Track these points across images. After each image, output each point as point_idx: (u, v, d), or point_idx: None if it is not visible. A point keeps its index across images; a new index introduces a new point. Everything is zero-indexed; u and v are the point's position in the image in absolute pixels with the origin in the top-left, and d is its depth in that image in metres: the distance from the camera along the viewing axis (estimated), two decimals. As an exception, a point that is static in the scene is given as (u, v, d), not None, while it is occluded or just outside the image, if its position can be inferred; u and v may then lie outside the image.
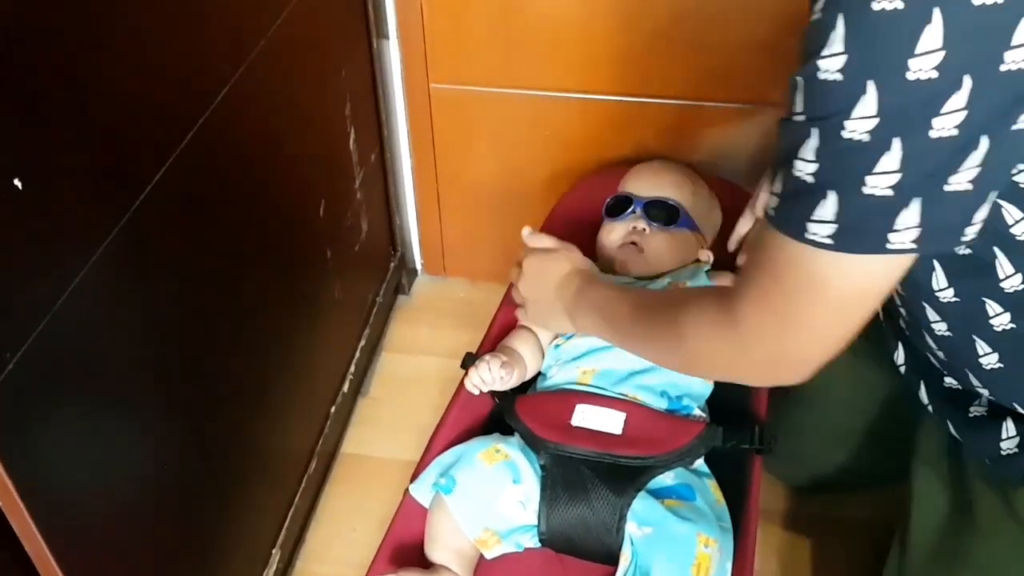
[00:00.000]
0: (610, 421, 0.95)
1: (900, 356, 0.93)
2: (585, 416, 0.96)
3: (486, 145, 1.46)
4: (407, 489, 0.98)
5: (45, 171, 0.64)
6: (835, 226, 0.58)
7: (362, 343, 1.41)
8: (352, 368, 1.38)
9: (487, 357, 1.00)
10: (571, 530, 0.91)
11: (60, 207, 0.67)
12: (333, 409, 1.31)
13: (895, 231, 0.57)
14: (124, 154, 0.75)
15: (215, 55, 0.89)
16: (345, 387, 1.35)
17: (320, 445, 1.27)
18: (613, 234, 1.11)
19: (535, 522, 0.92)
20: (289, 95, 1.07)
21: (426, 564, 0.92)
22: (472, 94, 1.40)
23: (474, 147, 1.47)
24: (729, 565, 0.88)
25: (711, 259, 1.14)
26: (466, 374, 1.04)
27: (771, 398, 1.12)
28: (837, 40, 0.53)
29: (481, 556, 0.93)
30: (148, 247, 0.80)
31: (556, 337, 1.06)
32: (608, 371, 0.99)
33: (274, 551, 1.13)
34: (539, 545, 0.93)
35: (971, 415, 0.83)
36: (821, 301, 0.62)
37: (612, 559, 0.89)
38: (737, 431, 0.96)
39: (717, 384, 1.02)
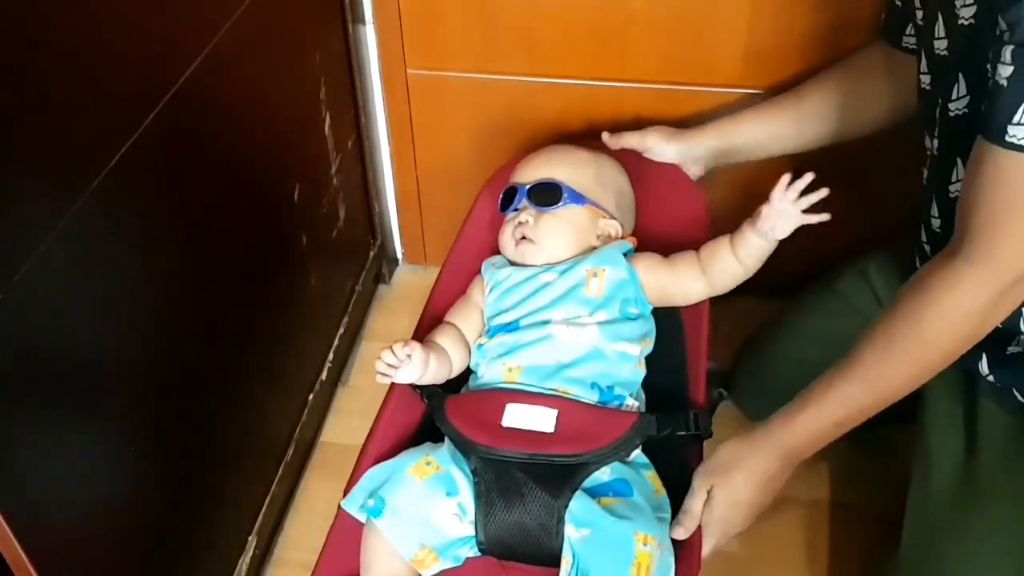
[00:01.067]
0: (542, 419, 0.92)
1: None
2: (516, 416, 0.92)
3: (465, 131, 1.46)
4: (339, 504, 0.94)
5: (15, 129, 0.64)
6: None
7: (341, 331, 1.41)
8: (331, 356, 1.37)
9: (390, 347, 0.95)
10: (509, 536, 0.88)
11: (21, 178, 0.66)
12: (311, 397, 1.30)
13: None
14: (89, 125, 0.74)
15: (184, 30, 0.88)
16: (323, 375, 1.34)
17: (298, 433, 1.26)
18: (504, 234, 1.08)
19: (473, 533, 0.89)
20: (259, 76, 1.06)
21: None
22: (450, 80, 1.39)
23: (453, 133, 1.46)
24: (672, 559, 0.87)
25: (618, 231, 1.10)
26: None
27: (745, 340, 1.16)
28: None
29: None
30: (113, 223, 0.79)
31: (480, 336, 1.04)
32: (534, 367, 0.97)
33: (250, 538, 1.12)
34: (480, 555, 0.90)
35: (1008, 352, 0.93)
36: None
37: (555, 561, 0.87)
38: (672, 418, 0.94)
39: (650, 371, 1.01)
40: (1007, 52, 0.74)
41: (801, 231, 0.99)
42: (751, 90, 1.30)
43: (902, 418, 1.20)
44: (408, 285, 1.65)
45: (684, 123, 1.35)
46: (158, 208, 0.87)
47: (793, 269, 1.23)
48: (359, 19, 1.33)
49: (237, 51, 0.98)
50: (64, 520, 0.77)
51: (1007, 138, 0.74)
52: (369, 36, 1.36)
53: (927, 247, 1.02)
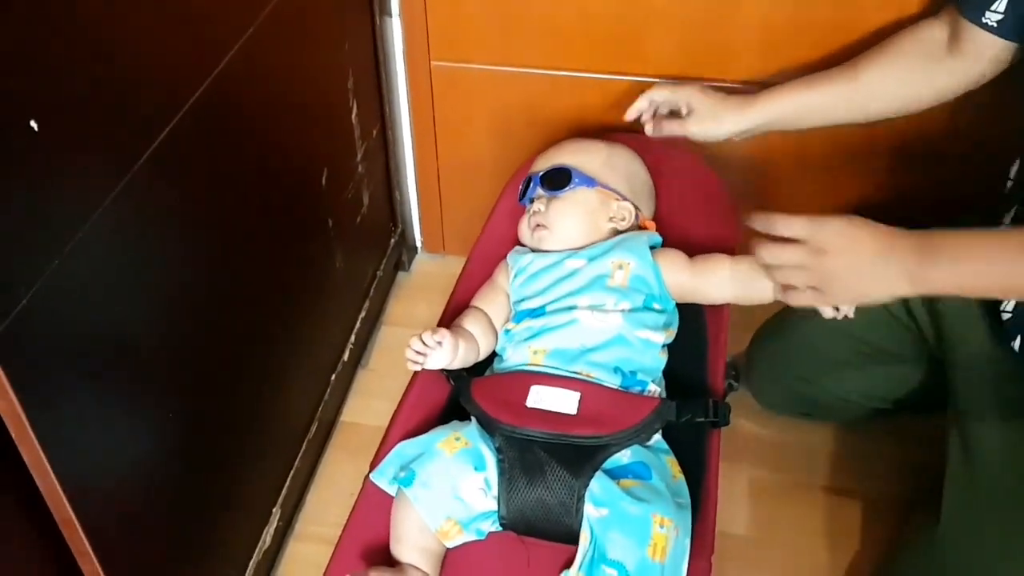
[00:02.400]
0: (565, 401, 0.94)
1: None
2: (540, 397, 0.95)
3: (486, 123, 1.49)
4: (367, 476, 0.98)
5: (60, 115, 0.67)
6: None
7: (362, 315, 1.44)
8: (352, 339, 1.40)
9: (419, 334, 0.99)
10: (531, 512, 0.91)
11: (73, 153, 0.70)
12: (333, 377, 1.34)
13: None
14: (132, 107, 0.78)
15: (222, 19, 0.92)
16: (345, 356, 1.38)
17: (320, 412, 1.30)
18: (522, 223, 1.13)
19: (496, 508, 0.92)
20: (293, 64, 1.10)
21: (390, 557, 0.92)
22: (473, 72, 1.42)
23: (474, 125, 1.50)
24: (688, 541, 0.89)
25: (631, 212, 1.12)
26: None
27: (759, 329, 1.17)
28: None
29: None
30: (153, 203, 0.82)
31: (507, 321, 1.06)
32: (559, 350, 0.99)
33: (275, 510, 1.16)
34: (500, 529, 0.93)
35: None
36: None
37: (573, 538, 0.89)
38: (692, 405, 0.97)
39: (671, 359, 1.03)
40: None
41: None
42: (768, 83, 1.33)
43: (920, 408, 1.24)
44: (426, 273, 1.68)
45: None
46: (195, 190, 0.90)
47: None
48: (386, 11, 1.37)
49: (272, 40, 1.01)
50: (109, 486, 0.81)
51: None
52: (395, 28, 1.40)
53: None
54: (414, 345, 0.98)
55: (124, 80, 0.76)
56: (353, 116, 1.31)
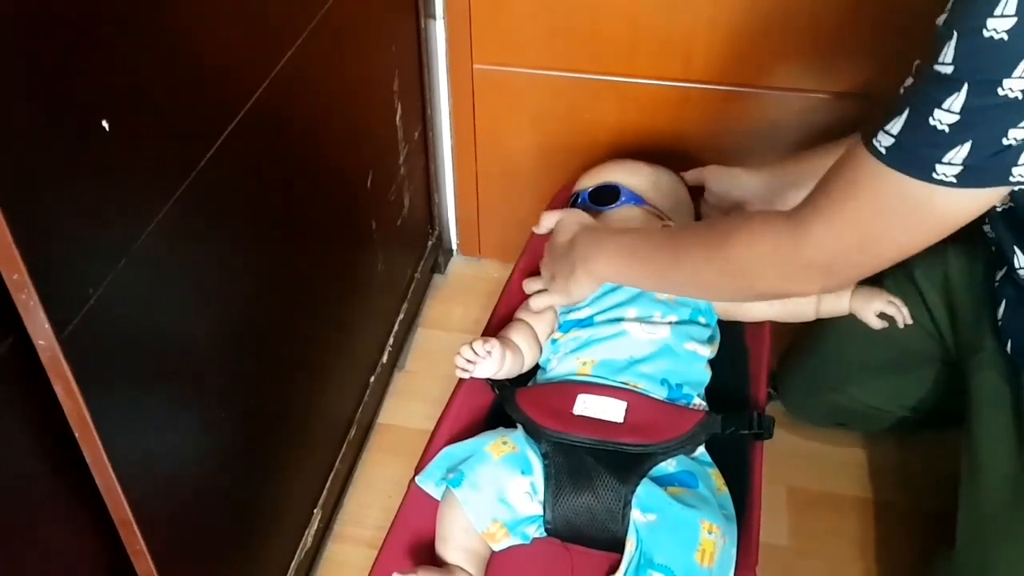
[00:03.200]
0: (612, 410, 0.95)
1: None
2: (587, 405, 0.96)
3: (526, 127, 1.49)
4: (412, 479, 0.98)
5: (130, 115, 0.67)
6: (961, 168, 0.67)
7: (400, 317, 1.44)
8: (391, 341, 1.41)
9: (470, 342, 0.99)
10: (577, 518, 0.91)
11: (139, 154, 0.70)
12: (372, 379, 1.34)
13: (1018, 166, 0.66)
14: (196, 110, 0.78)
15: (276, 27, 0.92)
16: (384, 358, 1.38)
17: (359, 413, 1.30)
18: None
19: (542, 512, 0.92)
20: (344, 67, 1.10)
21: (435, 558, 0.92)
22: (514, 75, 1.42)
23: (514, 129, 1.50)
24: (734, 551, 0.89)
25: None
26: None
27: (792, 341, 1.20)
28: (1011, 4, 0.60)
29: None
30: (212, 205, 0.83)
31: (553, 332, 1.07)
32: (607, 361, 1.00)
33: (315, 511, 1.16)
34: (545, 535, 0.93)
35: None
36: (916, 226, 0.73)
37: (618, 546, 0.89)
38: (736, 418, 0.97)
39: (715, 373, 1.03)
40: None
41: None
42: (815, 93, 1.32)
43: (952, 422, 1.22)
44: (461, 276, 1.68)
45: (750, 125, 1.38)
46: (250, 191, 0.90)
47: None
48: (431, 14, 1.37)
49: (323, 45, 1.01)
50: (163, 486, 0.81)
51: (872, 141, 0.73)
52: (439, 30, 1.40)
53: None
54: (464, 353, 0.99)
55: (190, 82, 0.76)
56: (397, 118, 1.31)
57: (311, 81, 1.00)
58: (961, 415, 1.11)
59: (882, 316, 1.06)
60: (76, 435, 0.69)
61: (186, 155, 0.77)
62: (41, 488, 0.72)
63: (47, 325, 0.61)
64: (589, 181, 1.18)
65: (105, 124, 0.64)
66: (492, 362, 0.99)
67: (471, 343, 0.99)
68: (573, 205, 1.16)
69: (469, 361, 0.99)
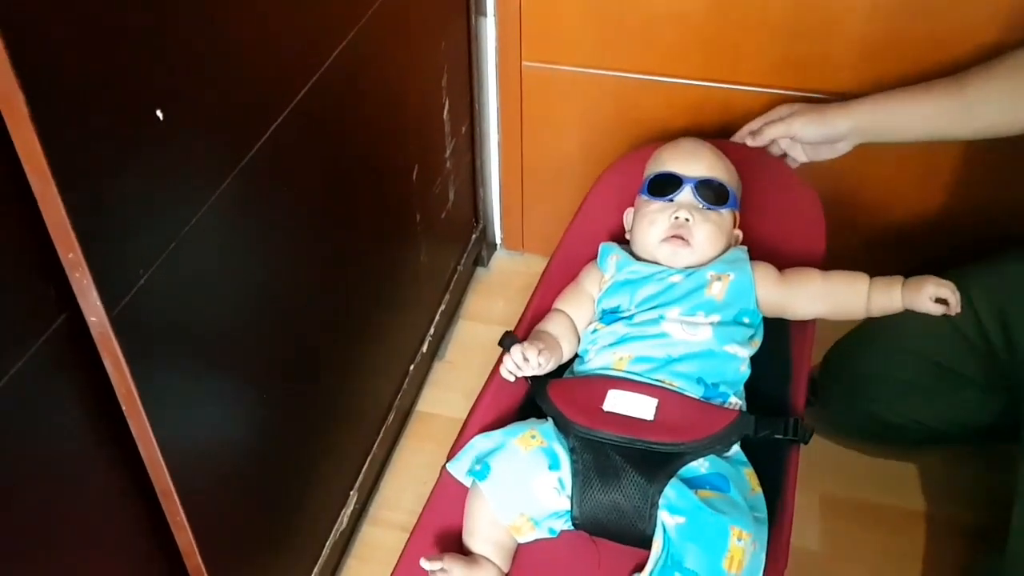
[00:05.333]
0: (641, 407, 0.94)
1: None
2: (617, 401, 0.95)
3: (572, 125, 1.50)
4: (443, 466, 0.99)
5: (183, 106, 0.70)
6: None
7: (442, 308, 1.47)
8: (432, 331, 1.43)
9: (524, 344, 0.99)
10: (604, 515, 0.91)
11: (191, 143, 0.73)
12: (412, 368, 1.37)
13: None
14: (246, 102, 0.81)
15: (329, 20, 0.95)
16: (424, 348, 1.41)
17: (398, 400, 1.33)
18: (656, 227, 1.05)
19: (569, 507, 0.92)
20: (393, 61, 1.12)
21: (463, 546, 0.94)
22: (563, 73, 1.44)
23: (560, 126, 1.51)
24: (763, 556, 0.88)
25: (740, 236, 1.11)
26: (502, 354, 1.03)
27: (834, 349, 1.19)
28: None
29: None
30: (261, 193, 0.85)
31: (592, 321, 1.06)
32: (644, 357, 0.99)
33: (352, 493, 1.19)
34: (572, 529, 0.94)
35: None
36: None
37: (645, 543, 0.89)
38: (771, 421, 0.96)
39: (757, 373, 1.02)
40: None
41: (914, 231, 1.01)
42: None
43: (993, 436, 1.21)
44: (504, 270, 1.70)
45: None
46: (298, 182, 0.93)
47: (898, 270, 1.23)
48: (481, 11, 1.39)
49: (375, 39, 1.04)
50: (205, 461, 0.85)
51: None
52: (489, 27, 1.42)
53: None
54: (516, 359, 0.99)
55: (243, 71, 0.79)
56: (445, 113, 1.33)
57: (360, 76, 1.03)
58: (1005, 432, 1.09)
59: (938, 301, 0.99)
60: (123, 407, 0.72)
61: (237, 144, 0.80)
62: (90, 457, 0.75)
63: (99, 303, 0.65)
64: (689, 167, 1.08)
65: (159, 114, 0.67)
66: (540, 371, 1.00)
67: (525, 350, 0.98)
68: (663, 188, 1.08)
69: (518, 367, 0.99)
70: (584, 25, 1.37)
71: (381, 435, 1.27)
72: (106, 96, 0.62)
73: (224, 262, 0.82)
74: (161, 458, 0.76)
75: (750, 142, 1.21)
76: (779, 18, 1.28)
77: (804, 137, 1.17)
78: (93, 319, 0.66)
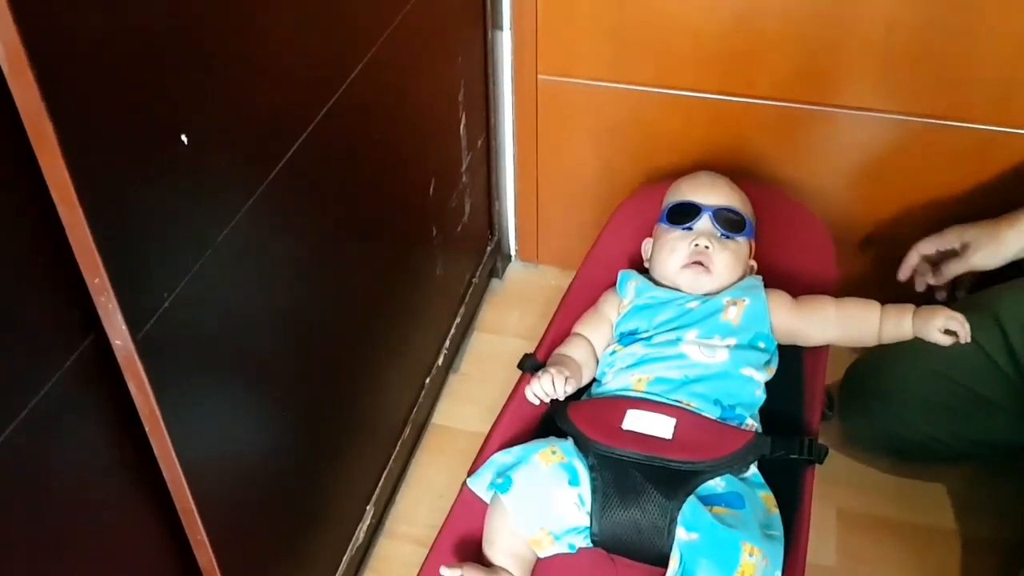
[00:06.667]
0: (660, 426, 0.96)
1: None
2: (636, 421, 0.97)
3: (588, 138, 1.50)
4: (464, 482, 1.01)
5: (206, 130, 0.71)
6: None
7: (457, 320, 1.47)
8: (447, 343, 1.44)
9: (552, 371, 1.01)
10: (623, 532, 0.92)
11: (215, 166, 0.74)
12: (427, 380, 1.37)
13: None
14: (268, 124, 0.82)
15: (350, 37, 0.95)
16: (439, 361, 1.41)
17: (414, 414, 1.33)
18: (676, 254, 1.08)
19: (588, 523, 0.93)
20: (412, 77, 1.13)
21: (483, 558, 0.95)
22: (578, 87, 1.44)
23: (576, 139, 1.51)
24: (778, 573, 0.89)
25: (755, 266, 1.14)
26: (523, 375, 1.05)
27: (854, 367, 1.20)
28: None
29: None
30: (281, 212, 0.86)
31: (611, 343, 1.07)
32: (662, 379, 1.00)
33: (368, 507, 1.20)
34: (591, 546, 0.95)
35: None
36: None
37: (663, 561, 0.90)
38: (787, 442, 0.97)
39: (772, 396, 1.03)
40: None
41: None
42: (881, 113, 1.31)
43: (1017, 455, 1.20)
44: (519, 282, 1.71)
45: (812, 143, 1.37)
46: (318, 199, 0.94)
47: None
48: (498, 25, 1.39)
49: (393, 56, 1.04)
50: (224, 479, 0.85)
51: None
52: (505, 41, 1.42)
53: None
54: (545, 387, 1.00)
55: (264, 94, 0.80)
56: (461, 127, 1.34)
57: (379, 93, 1.03)
58: None
59: (947, 332, 1.01)
60: (146, 428, 0.73)
61: (259, 166, 0.81)
62: (114, 478, 0.76)
63: (124, 327, 0.65)
64: (707, 196, 1.11)
65: (184, 139, 0.68)
66: (562, 395, 1.02)
67: (554, 378, 1.00)
68: (683, 217, 1.10)
69: (546, 394, 1.01)
70: (599, 39, 1.38)
71: (397, 449, 1.28)
72: (132, 123, 0.63)
73: (245, 282, 0.83)
74: (183, 477, 0.76)
75: (931, 281, 1.21)
76: (795, 32, 1.28)
77: (985, 268, 1.16)
78: (118, 342, 0.67)
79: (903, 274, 1.22)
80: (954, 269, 1.17)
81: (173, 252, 0.70)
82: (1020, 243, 1.13)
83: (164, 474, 0.76)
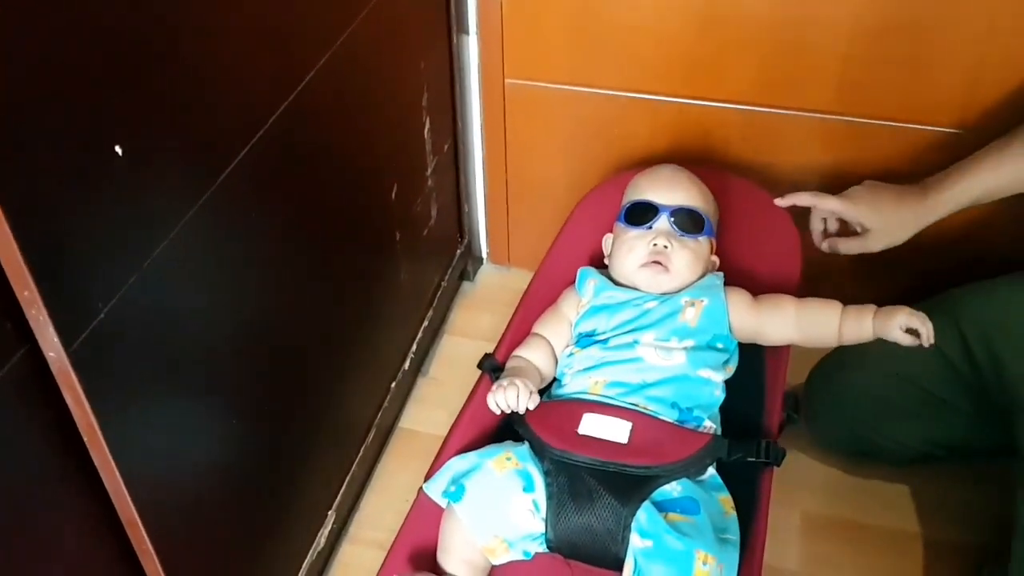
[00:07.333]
0: (616, 430, 0.95)
1: None
2: (592, 425, 0.96)
3: (556, 141, 1.50)
4: (421, 488, 1.00)
5: (142, 141, 0.70)
6: None
7: (425, 324, 1.47)
8: (414, 347, 1.43)
9: (519, 384, 0.99)
10: (577, 537, 0.92)
11: (153, 175, 0.73)
12: (393, 385, 1.37)
13: None
14: (214, 130, 0.81)
15: (303, 41, 0.95)
16: (406, 365, 1.41)
17: (379, 418, 1.33)
18: (634, 253, 1.07)
19: (544, 529, 0.93)
20: (369, 83, 1.13)
21: (437, 566, 0.95)
22: (546, 91, 1.44)
23: (545, 142, 1.51)
24: None
25: (717, 263, 1.12)
26: (482, 375, 1.05)
27: (818, 368, 1.21)
28: None
29: None
30: (230, 218, 0.86)
31: (568, 345, 1.07)
32: (619, 382, 1.00)
33: (330, 513, 1.19)
34: (547, 551, 0.95)
35: None
36: None
37: (619, 566, 0.90)
38: (744, 444, 0.97)
39: (732, 397, 1.03)
40: None
41: (901, 256, 1.05)
42: (844, 117, 1.32)
43: (978, 455, 1.21)
44: (490, 284, 1.70)
45: (777, 146, 1.37)
46: (270, 205, 0.93)
47: (890, 290, 1.23)
48: (463, 29, 1.39)
49: (353, 58, 1.04)
50: (172, 488, 0.85)
51: None
52: (471, 46, 1.42)
53: None
54: (509, 400, 0.99)
55: (210, 104, 0.79)
56: (425, 131, 1.33)
57: (336, 97, 1.03)
58: (996, 453, 1.09)
59: (908, 331, 1.00)
60: (85, 440, 0.72)
61: (204, 173, 0.80)
62: (55, 488, 0.75)
63: (56, 339, 0.65)
64: (665, 195, 1.09)
65: (118, 149, 0.67)
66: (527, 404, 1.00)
67: (519, 392, 0.98)
68: (641, 217, 1.08)
69: (509, 406, 0.99)
70: (566, 43, 1.37)
71: (361, 453, 1.27)
72: (62, 135, 0.62)
73: (192, 289, 0.82)
74: (124, 488, 0.76)
75: (824, 247, 1.18)
76: (760, 36, 1.28)
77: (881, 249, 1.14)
78: (51, 354, 0.66)
79: (783, 203, 1.17)
80: (847, 248, 1.14)
81: (109, 262, 0.70)
82: (923, 223, 1.11)
83: (106, 484, 0.76)
